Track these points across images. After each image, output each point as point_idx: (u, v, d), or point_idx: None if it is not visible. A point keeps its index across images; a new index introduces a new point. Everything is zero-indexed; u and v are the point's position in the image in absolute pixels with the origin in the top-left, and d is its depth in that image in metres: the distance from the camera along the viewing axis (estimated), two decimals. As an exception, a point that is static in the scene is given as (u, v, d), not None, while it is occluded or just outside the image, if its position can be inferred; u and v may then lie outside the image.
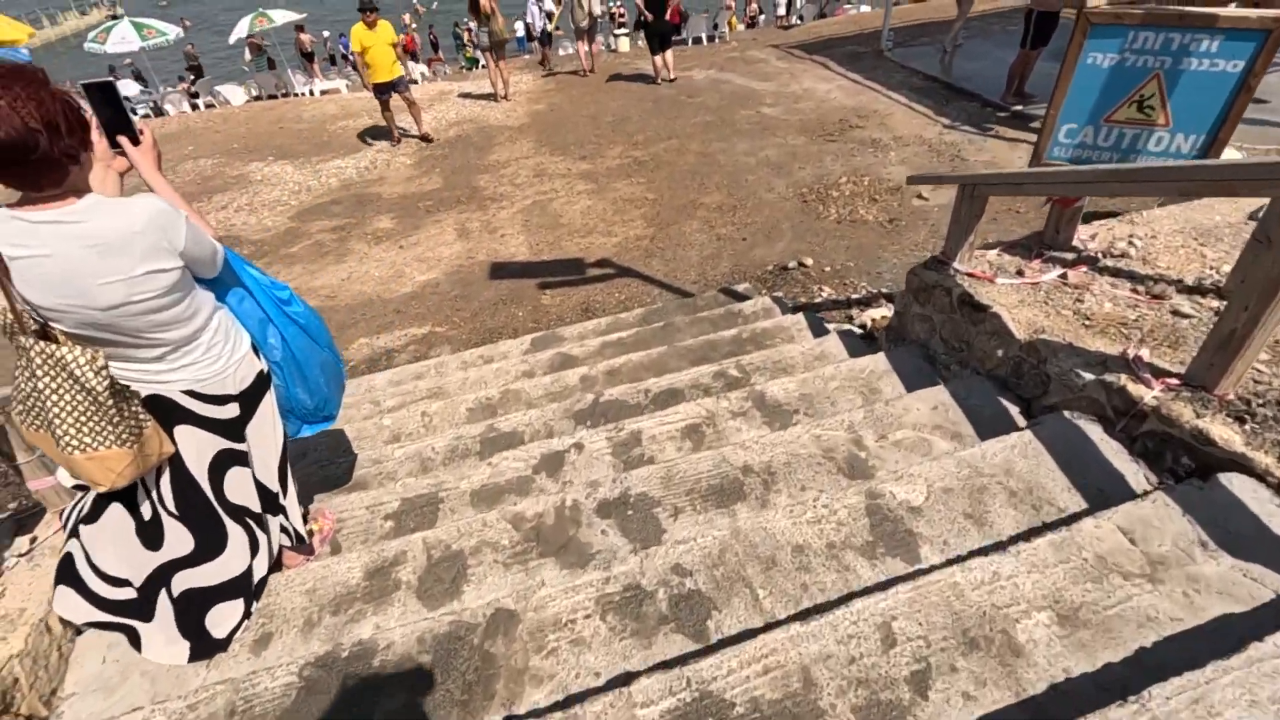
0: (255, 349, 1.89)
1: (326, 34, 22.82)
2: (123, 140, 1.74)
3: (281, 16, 15.91)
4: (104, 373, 1.53)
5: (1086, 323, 2.34)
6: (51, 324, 1.51)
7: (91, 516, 1.73)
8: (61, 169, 1.39)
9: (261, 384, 1.90)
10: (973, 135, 6.88)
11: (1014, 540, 1.72)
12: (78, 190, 1.45)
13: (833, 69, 9.82)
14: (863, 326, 3.89)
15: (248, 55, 18.56)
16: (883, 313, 4.08)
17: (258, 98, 15.39)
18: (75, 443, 1.55)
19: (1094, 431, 2.01)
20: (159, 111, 15.01)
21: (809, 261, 5.06)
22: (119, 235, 1.44)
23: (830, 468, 2.22)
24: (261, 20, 15.70)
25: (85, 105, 1.73)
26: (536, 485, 2.46)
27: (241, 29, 16.10)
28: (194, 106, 15.13)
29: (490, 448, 2.84)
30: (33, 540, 2.21)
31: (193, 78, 17.67)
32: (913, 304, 3.00)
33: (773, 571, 1.77)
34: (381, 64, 8.11)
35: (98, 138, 1.73)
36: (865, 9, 17.04)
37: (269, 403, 1.94)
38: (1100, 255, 2.71)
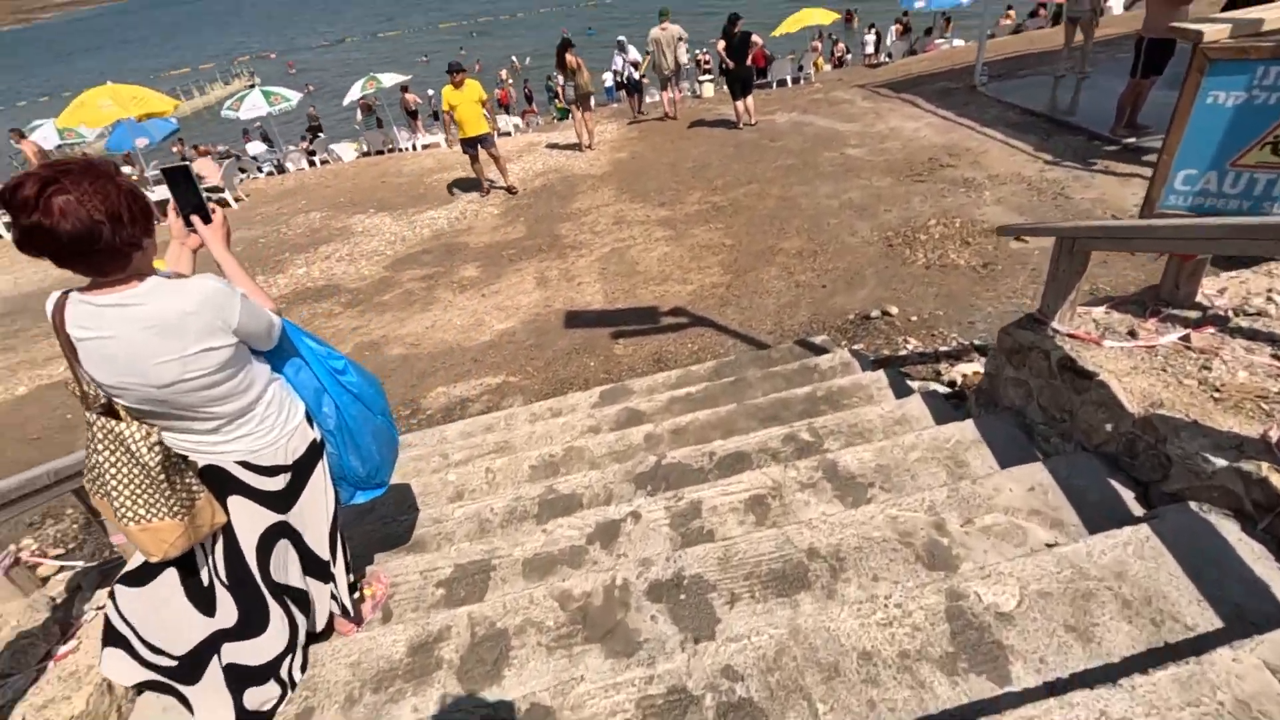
0: (309, 418, 1.91)
1: (431, 93, 24.44)
2: (195, 220, 1.82)
3: (389, 79, 17.17)
4: (157, 449, 1.57)
5: (1215, 395, 2.02)
6: (115, 400, 1.57)
7: (141, 580, 1.77)
8: (124, 256, 1.45)
9: (314, 453, 1.91)
10: (1079, 171, 6.40)
11: (1127, 665, 1.45)
12: (141, 274, 1.51)
13: (921, 106, 9.49)
14: (952, 384, 3.60)
15: (359, 115, 20.13)
16: (974, 368, 3.76)
17: (366, 154, 16.59)
18: (130, 514, 1.60)
19: (1229, 530, 1.71)
20: (281, 169, 16.42)
21: (893, 310, 4.79)
22: (174, 316, 1.48)
23: (907, 555, 2.00)
24: (371, 83, 16.99)
25: (162, 187, 1.84)
26: (589, 557, 2.36)
27: (354, 92, 17.49)
28: (311, 163, 16.47)
29: (548, 511, 2.78)
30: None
31: (311, 137, 19.31)
32: (1005, 366, 2.73)
33: (835, 682, 1.58)
34: (469, 121, 8.53)
35: (174, 216, 1.82)
36: (959, 43, 16.53)
37: (321, 472, 1.95)
38: (1231, 313, 2.37)
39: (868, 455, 2.55)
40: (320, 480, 1.95)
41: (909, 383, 3.46)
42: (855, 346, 4.36)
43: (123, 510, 1.59)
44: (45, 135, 16.24)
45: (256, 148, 18.99)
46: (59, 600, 2.29)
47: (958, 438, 2.54)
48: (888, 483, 2.42)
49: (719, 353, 4.77)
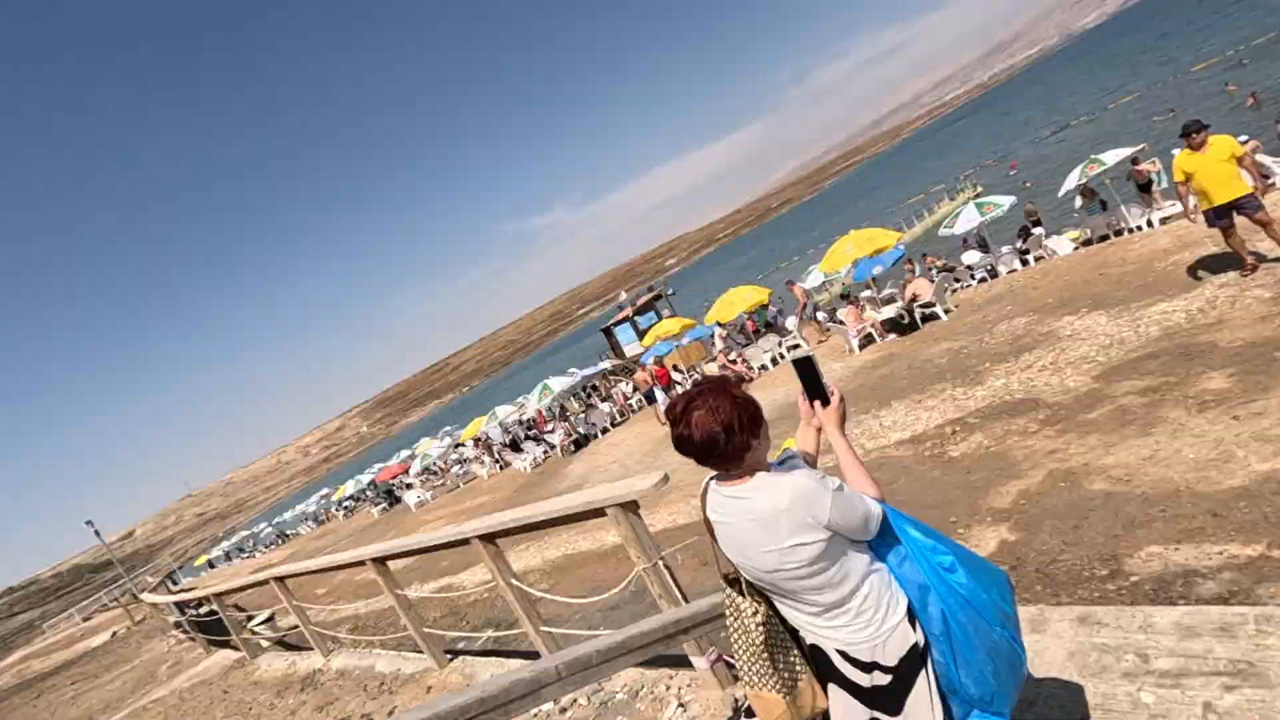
0: (912, 617, 1.74)
1: (1175, 152, 20.59)
2: (817, 403, 1.97)
3: (1113, 156, 15.37)
4: (761, 627, 1.72)
5: None
6: (742, 574, 1.81)
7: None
8: (738, 457, 1.69)
9: (915, 658, 1.72)
10: None
11: None
12: (753, 469, 1.72)
13: None
14: None
15: (1078, 203, 18.63)
16: None
17: (1087, 242, 15.11)
18: (745, 677, 1.79)
19: None
20: (993, 273, 16.62)
21: None
22: (770, 512, 1.62)
23: None
24: (1092, 166, 15.55)
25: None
26: None
27: (1071, 180, 16.36)
28: (1023, 263, 16.05)
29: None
30: None
31: (1025, 235, 18.95)
32: None
33: None
34: (1216, 185, 6.65)
35: (802, 400, 2.03)
36: None
37: (925, 680, 1.73)
38: None
39: None
40: (924, 690, 1.73)
41: None
42: None
43: (741, 672, 1.80)
44: (814, 279, 21.42)
45: (971, 256, 19.89)
46: (740, 703, 2.74)
47: None
48: None
49: None
